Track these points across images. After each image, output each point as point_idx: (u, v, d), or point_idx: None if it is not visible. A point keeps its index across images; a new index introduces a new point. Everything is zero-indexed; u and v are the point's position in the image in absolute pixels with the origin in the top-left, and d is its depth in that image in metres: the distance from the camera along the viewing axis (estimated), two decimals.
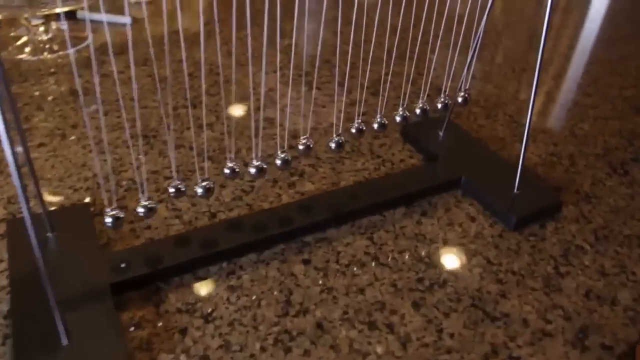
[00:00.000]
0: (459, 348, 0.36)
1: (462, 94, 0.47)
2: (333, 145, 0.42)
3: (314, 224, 0.44)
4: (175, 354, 0.34)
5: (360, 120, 0.44)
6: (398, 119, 0.45)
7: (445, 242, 0.44)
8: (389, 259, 0.42)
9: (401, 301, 0.39)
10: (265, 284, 0.40)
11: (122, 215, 0.36)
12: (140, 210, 0.37)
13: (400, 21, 0.47)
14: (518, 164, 0.47)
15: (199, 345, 0.35)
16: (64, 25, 0.81)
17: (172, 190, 0.38)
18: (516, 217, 0.46)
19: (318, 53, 0.44)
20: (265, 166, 0.40)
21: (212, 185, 0.39)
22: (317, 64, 0.71)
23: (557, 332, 0.37)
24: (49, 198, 0.46)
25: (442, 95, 0.46)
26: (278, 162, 0.41)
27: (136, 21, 0.82)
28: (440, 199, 0.49)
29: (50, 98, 0.62)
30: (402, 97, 0.44)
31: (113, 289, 0.37)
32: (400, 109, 0.45)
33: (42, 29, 0.72)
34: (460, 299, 0.39)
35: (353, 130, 0.44)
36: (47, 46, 0.72)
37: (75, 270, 0.37)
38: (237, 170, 0.39)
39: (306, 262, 0.42)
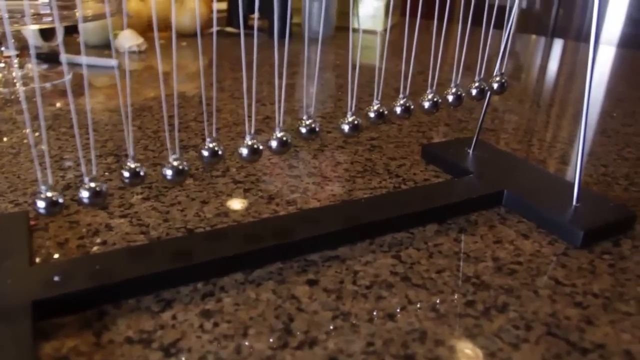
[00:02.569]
0: None
1: (498, 78, 0.38)
2: (347, 127, 0.33)
3: (321, 238, 0.33)
4: None
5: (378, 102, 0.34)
6: (427, 104, 0.36)
7: (496, 261, 0.34)
8: (424, 280, 0.31)
9: (448, 329, 0.27)
10: (255, 308, 0.28)
11: (60, 200, 0.26)
12: (84, 194, 0.26)
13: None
14: (570, 177, 0.37)
15: None
16: (45, 66, 0.74)
17: (126, 174, 0.27)
18: (583, 231, 0.35)
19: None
20: (259, 146, 0.30)
21: (185, 167, 0.29)
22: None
23: None
24: None
25: (476, 79, 0.37)
26: (273, 143, 0.31)
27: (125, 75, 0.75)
28: (481, 216, 0.39)
29: (10, 122, 0.53)
30: (430, 80, 0.36)
31: (39, 309, 0.26)
32: (430, 92, 0.36)
33: (16, 61, 0.66)
34: (531, 327, 0.28)
35: (372, 114, 0.34)
36: (20, 81, 0.65)
37: None
38: (219, 152, 0.30)
39: (312, 282, 0.31)
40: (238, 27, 1.03)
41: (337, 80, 0.76)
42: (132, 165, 0.28)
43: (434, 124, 0.58)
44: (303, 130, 0.31)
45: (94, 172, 0.27)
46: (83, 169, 0.27)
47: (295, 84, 0.70)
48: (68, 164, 0.44)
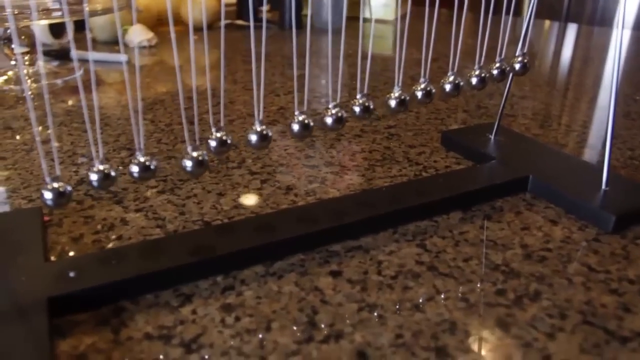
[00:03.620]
0: None
1: (520, 59, 0.36)
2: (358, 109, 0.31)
3: (343, 227, 0.32)
4: None
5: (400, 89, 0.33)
6: (448, 87, 0.34)
7: (525, 248, 0.32)
8: (451, 269, 0.30)
9: (479, 319, 0.26)
10: (278, 301, 0.27)
11: (68, 189, 0.25)
12: (93, 177, 0.25)
13: None
14: (593, 161, 0.35)
15: None
16: (55, 63, 0.74)
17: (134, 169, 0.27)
18: (615, 216, 0.34)
19: None
20: (268, 133, 0.29)
21: (205, 158, 0.28)
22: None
23: None
24: None
25: (497, 59, 0.36)
26: (295, 126, 0.30)
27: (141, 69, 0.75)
28: (506, 203, 0.37)
29: (22, 119, 0.53)
30: (451, 60, 0.34)
31: (54, 306, 0.25)
32: (450, 74, 0.34)
33: (27, 58, 0.65)
34: (566, 315, 0.27)
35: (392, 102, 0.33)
36: (31, 78, 0.65)
37: (3, 279, 0.26)
38: (229, 142, 0.29)
39: (335, 274, 0.30)
40: (248, 20, 1.01)
41: (350, 70, 0.74)
42: (142, 159, 0.27)
43: (451, 110, 0.56)
44: (329, 120, 0.30)
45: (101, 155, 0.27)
46: (93, 152, 0.26)
47: (309, 75, 0.69)
48: (81, 159, 0.43)
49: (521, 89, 0.65)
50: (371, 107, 0.31)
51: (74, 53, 0.65)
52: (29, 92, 0.61)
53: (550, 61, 0.85)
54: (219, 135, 0.28)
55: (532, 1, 0.39)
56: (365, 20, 1.03)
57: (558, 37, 1.10)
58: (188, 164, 0.27)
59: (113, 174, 0.26)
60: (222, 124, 0.29)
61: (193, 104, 0.27)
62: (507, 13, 0.36)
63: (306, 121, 0.29)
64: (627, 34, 1.08)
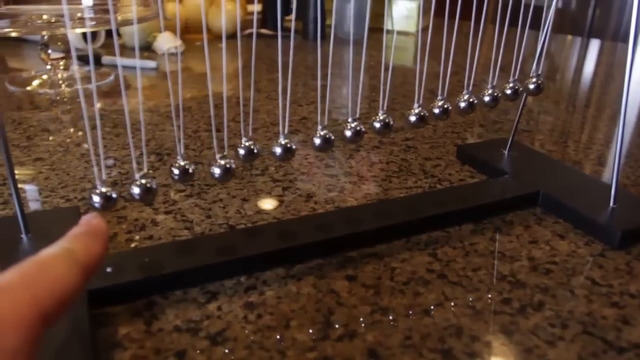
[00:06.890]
0: None
1: (535, 79, 0.38)
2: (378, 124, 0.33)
3: (359, 235, 0.34)
4: None
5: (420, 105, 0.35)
6: (463, 105, 0.36)
7: (532, 260, 0.34)
8: (460, 277, 0.32)
9: (484, 325, 0.28)
10: (297, 301, 0.29)
11: (114, 196, 0.27)
12: (135, 190, 0.28)
13: None
14: (607, 179, 0.37)
15: None
16: (89, 67, 0.77)
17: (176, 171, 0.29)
18: (620, 232, 0.35)
19: None
20: (293, 147, 0.31)
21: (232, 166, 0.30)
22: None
23: None
24: (34, 205, 0.38)
25: (510, 79, 0.38)
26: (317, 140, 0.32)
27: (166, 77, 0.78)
28: (516, 217, 0.39)
29: (58, 122, 0.56)
30: (466, 80, 0.36)
31: (93, 298, 0.27)
32: (465, 93, 0.36)
33: (62, 63, 0.68)
34: (567, 325, 0.28)
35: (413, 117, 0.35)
36: (65, 82, 0.68)
37: None
38: (255, 150, 0.31)
39: (351, 278, 0.32)
40: (272, 29, 1.04)
41: (371, 82, 0.76)
42: (182, 163, 0.29)
43: (468, 125, 0.58)
44: (348, 133, 0.32)
45: (145, 169, 0.29)
46: (134, 165, 0.28)
47: (331, 85, 0.72)
48: (110, 162, 0.46)
49: (540, 105, 0.67)
50: (391, 122, 0.33)
51: (116, 59, 0.67)
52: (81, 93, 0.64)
53: (571, 77, 0.87)
54: (247, 144, 0.30)
55: (548, 19, 0.41)
56: (388, 32, 1.05)
57: (580, 53, 1.11)
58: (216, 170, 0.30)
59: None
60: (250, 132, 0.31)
61: (221, 111, 0.29)
62: (523, 30, 0.37)
63: (327, 135, 0.31)
64: None
